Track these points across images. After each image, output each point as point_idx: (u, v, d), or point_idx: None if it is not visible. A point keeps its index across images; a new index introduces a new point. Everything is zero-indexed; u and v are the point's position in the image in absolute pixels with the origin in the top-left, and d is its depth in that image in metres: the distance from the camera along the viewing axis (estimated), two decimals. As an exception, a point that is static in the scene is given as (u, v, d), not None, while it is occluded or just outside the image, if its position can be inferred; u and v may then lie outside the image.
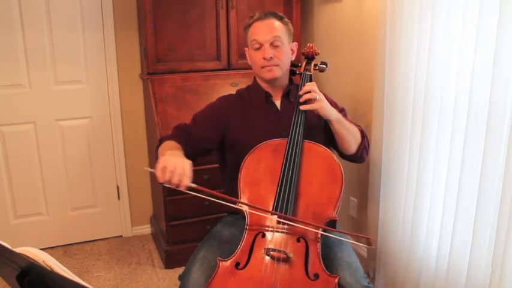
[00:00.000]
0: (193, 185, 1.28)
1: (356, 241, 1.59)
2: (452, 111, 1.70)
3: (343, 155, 1.67)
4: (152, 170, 1.29)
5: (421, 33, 1.81)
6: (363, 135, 1.67)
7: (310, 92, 1.50)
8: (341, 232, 1.51)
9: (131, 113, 2.82)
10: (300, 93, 1.53)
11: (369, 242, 1.38)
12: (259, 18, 1.61)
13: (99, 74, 2.72)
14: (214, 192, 1.33)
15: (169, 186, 1.27)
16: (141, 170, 2.88)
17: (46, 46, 2.58)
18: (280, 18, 1.63)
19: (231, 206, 1.42)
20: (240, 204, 1.42)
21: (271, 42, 1.57)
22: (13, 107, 2.59)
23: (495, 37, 1.47)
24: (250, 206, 1.41)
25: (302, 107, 1.51)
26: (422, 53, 1.81)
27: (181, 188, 1.27)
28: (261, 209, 1.40)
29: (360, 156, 1.66)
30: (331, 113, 1.53)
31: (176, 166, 1.26)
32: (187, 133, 1.63)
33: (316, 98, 1.50)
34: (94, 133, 2.79)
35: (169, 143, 1.55)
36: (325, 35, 2.71)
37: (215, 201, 1.36)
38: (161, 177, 1.27)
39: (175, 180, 1.26)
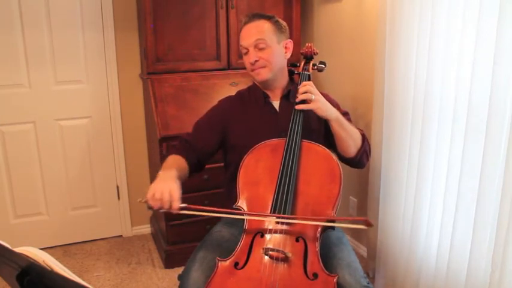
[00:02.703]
0: (183, 205, 1.33)
1: (355, 225, 1.51)
2: (452, 110, 1.70)
3: (342, 158, 1.65)
4: (145, 201, 1.36)
5: (421, 33, 1.81)
6: (364, 140, 1.64)
7: (306, 92, 1.50)
8: (338, 219, 1.45)
9: (131, 112, 2.82)
10: (297, 94, 1.52)
11: (368, 223, 1.32)
12: (246, 22, 1.61)
13: (99, 74, 2.72)
14: (207, 208, 1.36)
15: (163, 211, 1.34)
16: (140, 169, 2.89)
17: (46, 46, 2.58)
18: (268, 18, 1.61)
19: (230, 206, 1.43)
20: (239, 213, 1.43)
21: (255, 45, 1.57)
22: (13, 107, 2.59)
23: (495, 37, 1.47)
24: (249, 214, 1.42)
25: (298, 107, 1.51)
26: (422, 52, 1.81)
27: (174, 211, 1.33)
28: (260, 214, 1.41)
29: (359, 161, 1.63)
30: (330, 113, 1.52)
31: (163, 192, 1.32)
32: (189, 143, 1.65)
33: (311, 98, 1.49)
34: (94, 133, 2.79)
35: (171, 158, 1.58)
36: (325, 35, 2.71)
37: (213, 214, 1.38)
38: (153, 205, 1.33)
39: (166, 206, 1.32)
